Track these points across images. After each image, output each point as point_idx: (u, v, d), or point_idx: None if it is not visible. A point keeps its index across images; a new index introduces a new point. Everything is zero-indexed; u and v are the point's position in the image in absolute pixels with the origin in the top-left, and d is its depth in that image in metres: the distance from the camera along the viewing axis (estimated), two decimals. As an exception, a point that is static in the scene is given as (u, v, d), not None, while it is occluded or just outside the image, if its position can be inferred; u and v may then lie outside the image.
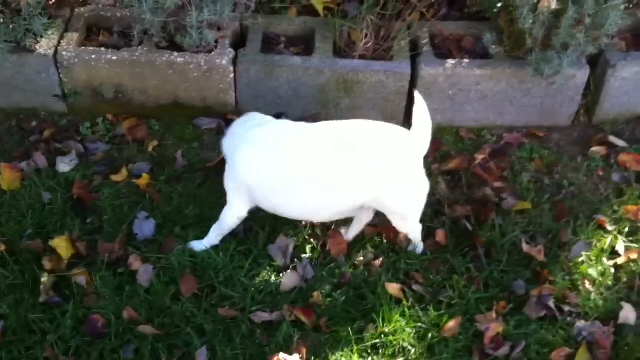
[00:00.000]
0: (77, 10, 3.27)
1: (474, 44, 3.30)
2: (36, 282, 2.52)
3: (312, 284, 2.58)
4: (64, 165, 2.95)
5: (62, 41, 3.10)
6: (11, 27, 2.89)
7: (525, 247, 2.69)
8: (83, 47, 3.10)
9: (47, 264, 2.56)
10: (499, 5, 3.24)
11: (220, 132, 3.12)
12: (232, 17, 3.01)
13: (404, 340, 2.43)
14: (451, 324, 2.46)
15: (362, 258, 2.67)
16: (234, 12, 2.99)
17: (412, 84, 3.11)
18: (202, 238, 2.67)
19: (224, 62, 3.05)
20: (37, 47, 3.04)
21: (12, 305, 2.46)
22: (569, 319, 2.52)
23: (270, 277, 2.60)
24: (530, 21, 2.92)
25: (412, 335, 2.44)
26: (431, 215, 2.84)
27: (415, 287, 2.58)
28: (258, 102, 3.18)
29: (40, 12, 2.88)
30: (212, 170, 2.96)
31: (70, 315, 2.42)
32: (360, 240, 2.73)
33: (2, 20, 2.82)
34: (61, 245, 2.60)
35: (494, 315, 2.49)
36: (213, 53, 3.08)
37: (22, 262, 2.58)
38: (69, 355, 2.34)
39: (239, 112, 3.20)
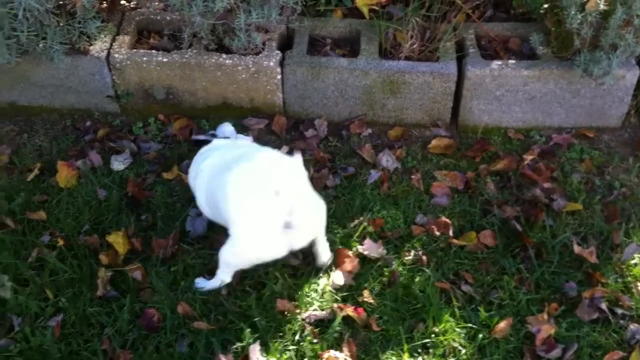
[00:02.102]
0: (128, 13, 3.35)
1: (520, 45, 3.29)
2: (93, 276, 2.59)
3: (361, 283, 2.60)
4: (118, 164, 3.02)
5: (114, 44, 3.17)
6: (66, 29, 2.96)
7: (576, 249, 2.67)
8: (134, 50, 3.17)
9: (103, 258, 2.63)
10: (545, 6, 3.24)
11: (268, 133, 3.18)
12: (279, 20, 3.04)
13: (454, 340, 2.43)
14: (502, 325, 2.46)
15: (410, 257, 2.69)
16: (280, 15, 3.02)
17: (459, 85, 3.12)
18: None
19: (272, 63, 3.10)
20: (91, 49, 3.12)
21: (71, 299, 2.53)
22: (621, 321, 2.49)
23: (320, 275, 2.62)
24: (578, 22, 2.91)
25: (463, 335, 2.45)
26: (480, 215, 2.84)
27: (465, 287, 2.58)
28: (305, 103, 3.22)
29: (94, 15, 2.94)
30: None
31: (127, 309, 2.48)
32: (408, 240, 2.74)
33: (57, 23, 2.89)
34: (117, 240, 2.67)
35: (545, 317, 2.48)
36: (260, 55, 3.13)
37: (79, 257, 2.65)
38: (126, 348, 2.40)
39: (287, 112, 3.26)
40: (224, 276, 2.53)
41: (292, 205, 2.21)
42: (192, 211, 2.80)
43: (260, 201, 2.23)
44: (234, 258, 2.45)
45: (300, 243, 2.38)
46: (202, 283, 2.57)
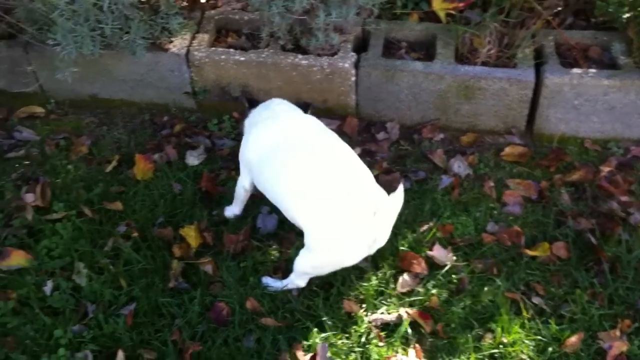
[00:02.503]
0: (207, 12, 3.42)
1: (601, 54, 3.21)
2: (166, 267, 2.65)
3: (429, 288, 2.59)
4: (193, 159, 3.09)
5: (193, 41, 3.25)
6: (149, 24, 3.04)
7: (653, 265, 2.60)
8: (213, 48, 3.23)
9: (176, 251, 2.69)
10: (628, 15, 3.15)
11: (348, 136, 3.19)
12: (356, 21, 3.05)
13: (522, 352, 2.39)
14: (573, 339, 2.40)
15: (480, 265, 2.66)
16: (357, 16, 3.03)
17: (537, 92, 3.06)
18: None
19: (347, 65, 3.11)
20: (171, 46, 3.20)
21: (144, 289, 2.59)
22: (697, 341, 2.41)
23: (388, 278, 2.61)
24: (664, 32, 2.83)
25: (532, 347, 2.40)
26: (553, 226, 2.79)
27: (536, 299, 2.54)
28: (378, 105, 3.22)
29: (176, 11, 3.01)
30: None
31: (198, 301, 2.53)
32: (478, 247, 2.71)
33: (141, 17, 2.97)
34: (190, 234, 2.73)
35: (617, 333, 2.41)
36: (336, 56, 3.14)
37: (153, 248, 2.72)
38: (195, 340, 2.44)
39: (359, 114, 3.26)
40: (299, 281, 2.54)
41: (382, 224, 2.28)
42: (263, 209, 2.84)
43: (350, 218, 2.27)
44: (312, 269, 2.47)
45: (374, 250, 2.40)
46: (270, 282, 2.60)
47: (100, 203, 2.91)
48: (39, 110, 3.46)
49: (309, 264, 2.43)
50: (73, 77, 3.07)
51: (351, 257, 2.36)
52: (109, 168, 3.09)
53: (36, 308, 2.53)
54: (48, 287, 2.59)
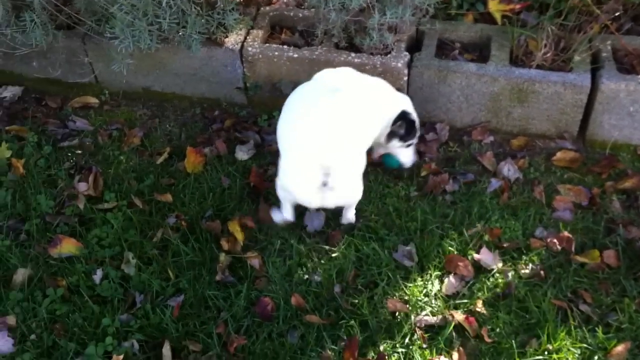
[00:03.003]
0: (262, 8, 3.44)
1: (660, 60, 3.14)
2: (213, 260, 2.69)
3: (474, 292, 2.57)
4: (242, 154, 3.12)
5: (248, 37, 3.27)
6: (205, 19, 3.08)
7: None
8: (267, 44, 3.25)
9: (224, 244, 2.73)
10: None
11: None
12: (410, 21, 3.04)
13: (568, 359, 2.36)
14: (619, 348, 2.36)
15: (527, 270, 2.63)
16: (413, 17, 3.02)
17: (591, 98, 3.01)
18: (373, 236, 2.77)
19: (399, 64, 3.10)
20: (226, 41, 3.23)
21: (191, 281, 2.64)
22: None
23: (432, 280, 2.61)
24: None
25: (577, 355, 2.37)
26: (603, 233, 2.75)
27: (583, 306, 2.50)
28: (428, 106, 3.20)
29: (232, 7, 3.04)
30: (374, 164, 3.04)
31: (244, 295, 2.57)
32: (526, 252, 2.69)
33: (198, 12, 3.01)
34: (236, 229, 2.76)
35: (665, 344, 2.37)
36: (389, 55, 3.13)
37: (201, 240, 2.76)
38: (240, 334, 2.48)
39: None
40: (283, 210, 2.76)
41: (332, 170, 2.44)
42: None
43: (306, 156, 2.49)
44: (281, 191, 2.69)
45: (330, 204, 2.59)
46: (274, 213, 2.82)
47: (151, 194, 2.97)
48: (93, 100, 3.54)
49: (278, 184, 2.67)
50: (128, 69, 3.14)
51: (300, 191, 2.55)
52: (160, 160, 3.14)
53: (85, 296, 2.59)
54: (97, 275, 2.65)
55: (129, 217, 2.87)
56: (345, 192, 2.61)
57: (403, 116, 2.81)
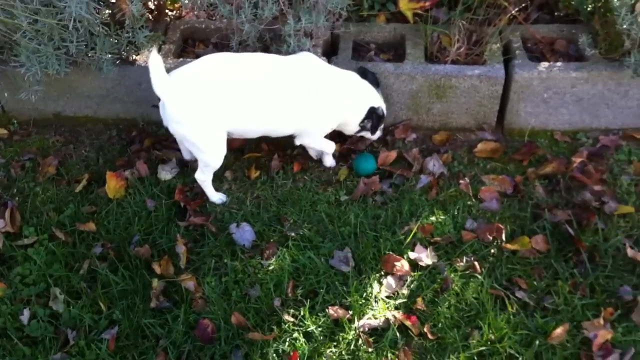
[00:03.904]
0: (173, 22, 3.36)
1: (567, 47, 3.25)
2: (146, 287, 2.60)
3: (413, 290, 2.58)
4: (165, 173, 3.03)
5: (160, 53, 3.18)
6: (115, 39, 2.98)
7: (629, 252, 2.63)
8: (181, 59, 3.18)
9: (156, 268, 2.63)
10: (590, 7, 3.20)
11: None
12: (325, 25, 3.03)
13: (510, 347, 2.40)
14: (558, 330, 2.42)
15: (462, 263, 2.66)
16: (327, 22, 3.01)
17: (506, 88, 3.08)
18: (307, 244, 2.74)
19: (317, 69, 3.08)
20: (138, 58, 3.14)
21: (125, 311, 2.54)
22: (680, 324, 2.45)
23: (371, 283, 2.60)
24: (629, 22, 2.86)
25: (519, 342, 2.41)
26: (530, 220, 2.81)
27: (519, 293, 2.55)
28: (349, 109, 3.20)
29: (142, 24, 2.95)
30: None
31: (181, 320, 2.48)
32: (459, 245, 2.72)
33: (106, 33, 2.91)
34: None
35: (601, 322, 2.43)
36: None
37: (131, 268, 2.66)
38: (182, 360, 2.40)
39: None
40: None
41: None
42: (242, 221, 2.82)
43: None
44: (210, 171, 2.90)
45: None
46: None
47: (73, 225, 2.84)
48: (2, 131, 3.37)
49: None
50: (36, 96, 3.00)
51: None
52: (79, 188, 3.02)
53: (14, 339, 2.46)
54: (25, 315, 2.52)
55: (52, 250, 2.73)
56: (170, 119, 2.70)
57: (371, 113, 2.93)
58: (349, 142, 3.16)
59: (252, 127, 2.78)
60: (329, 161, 3.08)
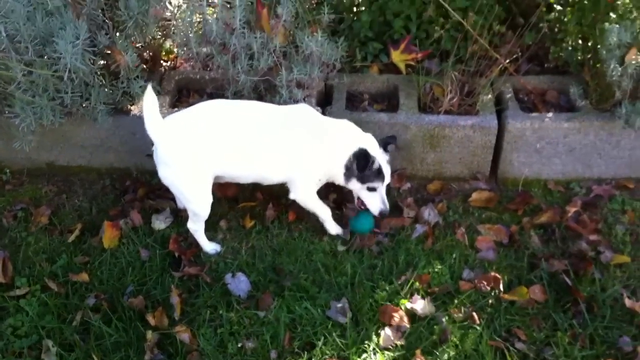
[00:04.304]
0: (167, 73, 3.38)
1: (558, 98, 3.30)
2: (140, 339, 2.54)
3: (412, 341, 2.54)
4: (160, 223, 3.01)
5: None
6: (110, 89, 2.99)
7: (627, 302, 2.62)
8: (175, 109, 3.18)
9: (150, 320, 2.58)
10: (580, 58, 3.26)
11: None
12: (319, 76, 3.06)
13: (511, 399, 2.37)
14: (559, 382, 2.40)
15: (460, 314, 2.63)
16: (321, 73, 3.05)
17: (499, 138, 3.11)
18: (304, 295, 2.71)
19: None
20: (132, 108, 3.14)
21: (118, 364, 2.48)
22: (680, 375, 2.42)
23: (369, 334, 2.56)
24: (618, 74, 2.91)
25: (520, 394, 2.39)
26: (527, 269, 2.80)
27: (518, 344, 2.52)
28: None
29: (137, 75, 2.97)
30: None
31: (176, 373, 2.43)
32: (457, 296, 2.70)
33: (101, 83, 2.92)
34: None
35: (602, 373, 2.42)
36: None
37: (124, 319, 2.61)
38: (177, 414, 2.34)
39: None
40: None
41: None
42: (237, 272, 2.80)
43: None
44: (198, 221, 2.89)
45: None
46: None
47: (65, 275, 2.80)
48: (-7, 181, 3.34)
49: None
50: (30, 145, 2.98)
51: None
52: (72, 238, 2.98)
53: (4, 393, 2.39)
54: (16, 368, 2.46)
55: (44, 302, 2.68)
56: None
57: (358, 152, 2.73)
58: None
59: (241, 172, 2.78)
60: (333, 228, 2.98)
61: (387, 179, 2.78)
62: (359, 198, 2.88)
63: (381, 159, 2.78)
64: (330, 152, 2.78)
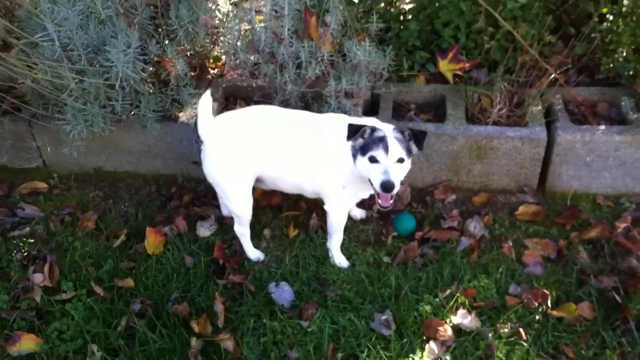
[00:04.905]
0: (215, 80, 3.40)
1: (609, 110, 3.22)
2: (184, 346, 2.56)
3: (456, 356, 2.51)
4: (204, 230, 3.03)
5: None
6: (159, 97, 3.02)
7: (679, 321, 2.55)
8: (221, 116, 3.20)
9: (195, 327, 2.60)
10: (632, 70, 3.19)
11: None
12: (366, 86, 3.05)
13: (559, 419, 2.31)
14: (608, 402, 2.34)
15: (507, 329, 2.59)
16: (368, 82, 3.03)
17: (548, 150, 3.05)
18: (347, 306, 2.68)
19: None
20: (180, 115, 3.16)
21: (162, 371, 2.49)
22: None
23: (414, 347, 2.53)
24: (673, 86, 2.85)
25: (568, 413, 2.33)
26: (575, 285, 2.74)
27: (566, 362, 2.47)
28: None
29: (186, 82, 2.99)
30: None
31: (220, 381, 2.43)
32: (503, 311, 2.65)
33: (151, 91, 2.94)
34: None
35: (652, 393, 2.35)
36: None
37: (169, 325, 2.63)
38: (219, 423, 2.34)
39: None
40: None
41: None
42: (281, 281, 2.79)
43: None
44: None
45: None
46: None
47: (111, 280, 2.83)
48: (42, 185, 3.39)
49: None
50: (79, 151, 3.03)
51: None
52: (118, 243, 3.01)
53: (50, 396, 2.42)
54: (62, 373, 2.49)
55: (90, 306, 2.71)
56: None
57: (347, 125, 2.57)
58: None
59: (277, 174, 2.77)
60: (336, 257, 2.91)
61: (392, 153, 2.52)
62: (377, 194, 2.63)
63: (389, 135, 2.54)
64: (334, 145, 2.65)
